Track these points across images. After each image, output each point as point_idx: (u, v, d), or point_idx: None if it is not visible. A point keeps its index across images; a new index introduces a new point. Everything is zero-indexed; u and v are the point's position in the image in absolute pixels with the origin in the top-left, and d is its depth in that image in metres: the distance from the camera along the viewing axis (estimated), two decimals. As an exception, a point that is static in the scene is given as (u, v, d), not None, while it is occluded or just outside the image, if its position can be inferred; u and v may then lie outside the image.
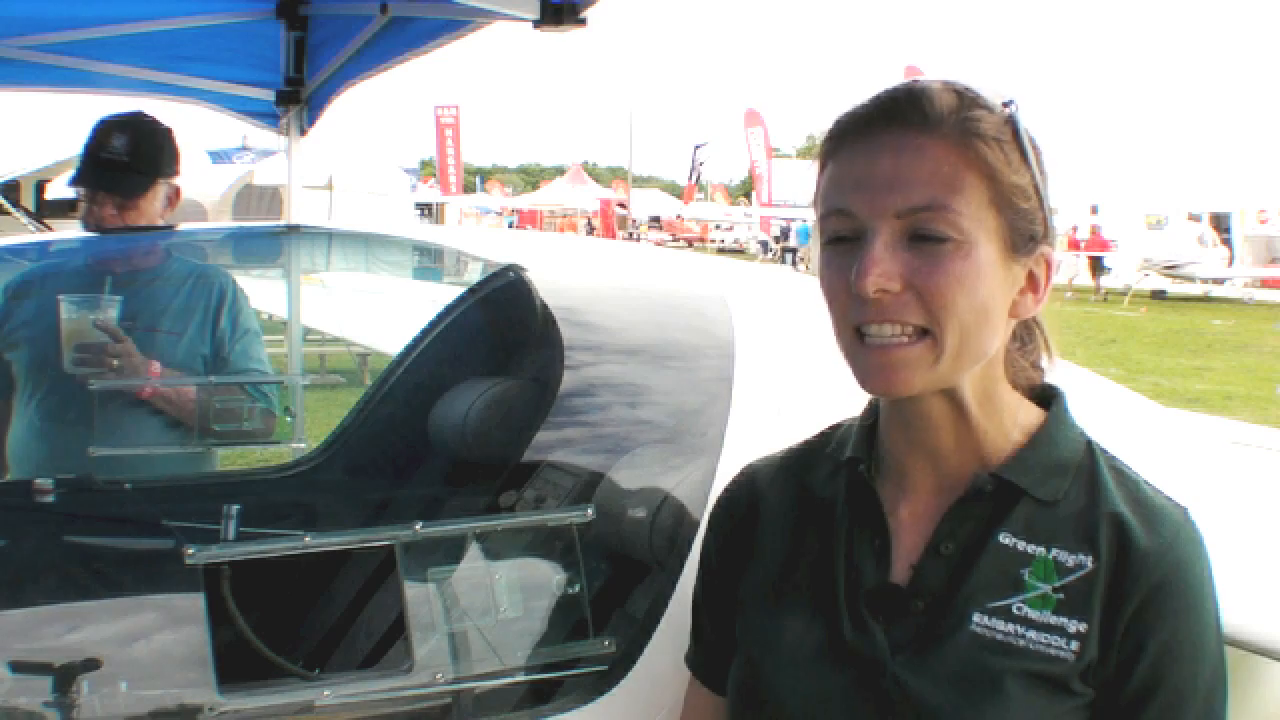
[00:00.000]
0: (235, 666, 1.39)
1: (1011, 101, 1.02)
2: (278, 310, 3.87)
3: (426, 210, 29.73)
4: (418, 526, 1.41)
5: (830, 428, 1.20)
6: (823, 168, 1.04)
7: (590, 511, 1.50)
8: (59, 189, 15.54)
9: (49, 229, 12.31)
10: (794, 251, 32.32)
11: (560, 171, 61.60)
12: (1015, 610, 1.00)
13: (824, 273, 1.03)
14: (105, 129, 2.50)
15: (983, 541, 1.03)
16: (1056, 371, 1.16)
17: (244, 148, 16.82)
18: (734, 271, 2.36)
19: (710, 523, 1.25)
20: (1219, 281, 24.96)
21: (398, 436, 2.28)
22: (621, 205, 41.22)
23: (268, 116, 3.91)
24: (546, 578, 1.50)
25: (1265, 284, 24.85)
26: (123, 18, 3.40)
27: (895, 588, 1.06)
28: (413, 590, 1.40)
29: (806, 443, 1.21)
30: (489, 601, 1.44)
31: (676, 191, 54.10)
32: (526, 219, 40.84)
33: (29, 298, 2.45)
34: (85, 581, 1.86)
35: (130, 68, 3.64)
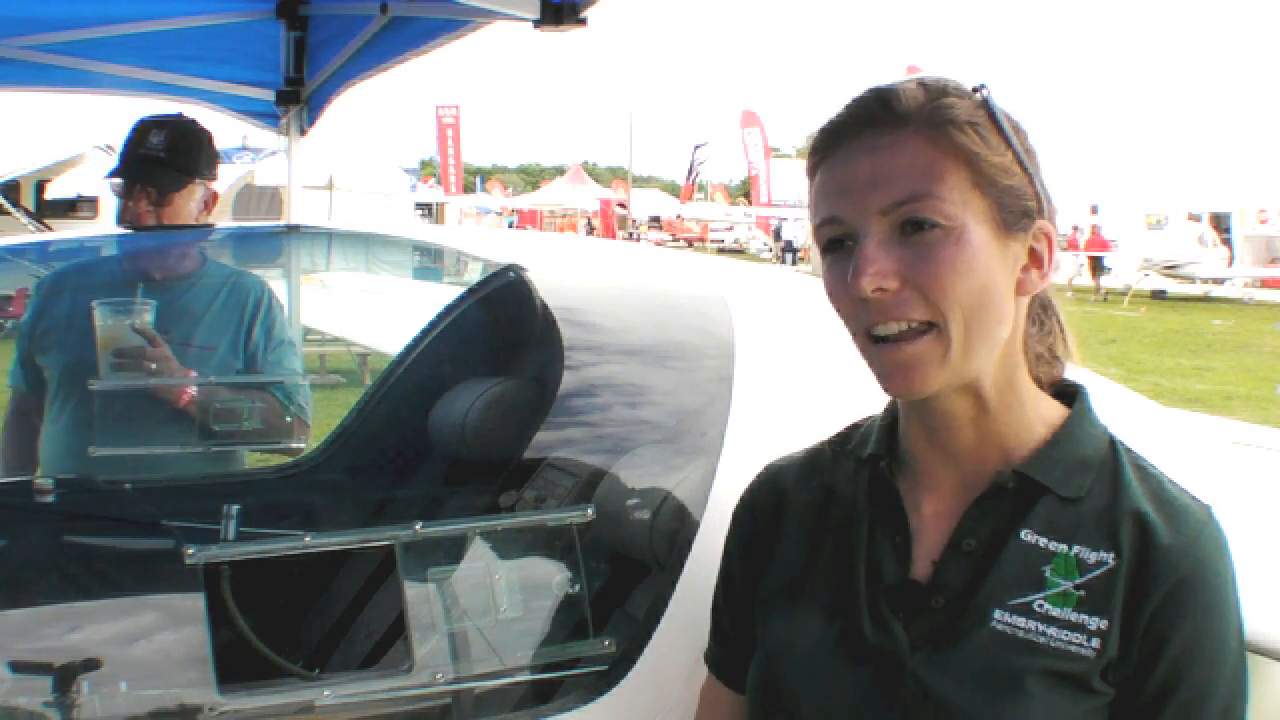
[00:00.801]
0: (235, 666, 1.39)
1: (983, 86, 1.03)
2: (277, 310, 3.87)
3: (427, 210, 29.73)
4: (418, 526, 1.41)
5: (852, 425, 1.21)
6: (811, 181, 1.06)
7: (590, 511, 1.50)
8: (59, 189, 15.58)
9: (49, 229, 12.32)
10: (794, 251, 32.32)
11: (560, 171, 61.63)
12: (1036, 607, 1.00)
13: (827, 281, 1.04)
14: (144, 126, 2.50)
15: (1004, 538, 1.03)
16: (1074, 366, 1.16)
17: (244, 148, 16.84)
18: (734, 271, 2.36)
19: (733, 522, 1.24)
20: (1219, 281, 24.97)
21: (398, 436, 2.28)
22: (621, 205, 41.22)
23: (268, 116, 3.91)
24: (546, 578, 1.50)
25: (1265, 284, 24.86)
26: (123, 18, 3.40)
27: (916, 584, 1.06)
28: (413, 590, 1.40)
29: (829, 440, 1.21)
30: (489, 601, 1.44)
31: (676, 191, 54.09)
32: (526, 219, 40.84)
33: (62, 297, 2.43)
34: (85, 581, 1.86)
35: (130, 68, 3.64)
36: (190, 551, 1.39)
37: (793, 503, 1.18)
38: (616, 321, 2.08)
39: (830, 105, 1.05)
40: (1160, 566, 0.99)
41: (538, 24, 2.52)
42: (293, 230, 2.79)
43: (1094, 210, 28.44)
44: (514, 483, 1.84)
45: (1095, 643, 0.99)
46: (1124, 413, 2.11)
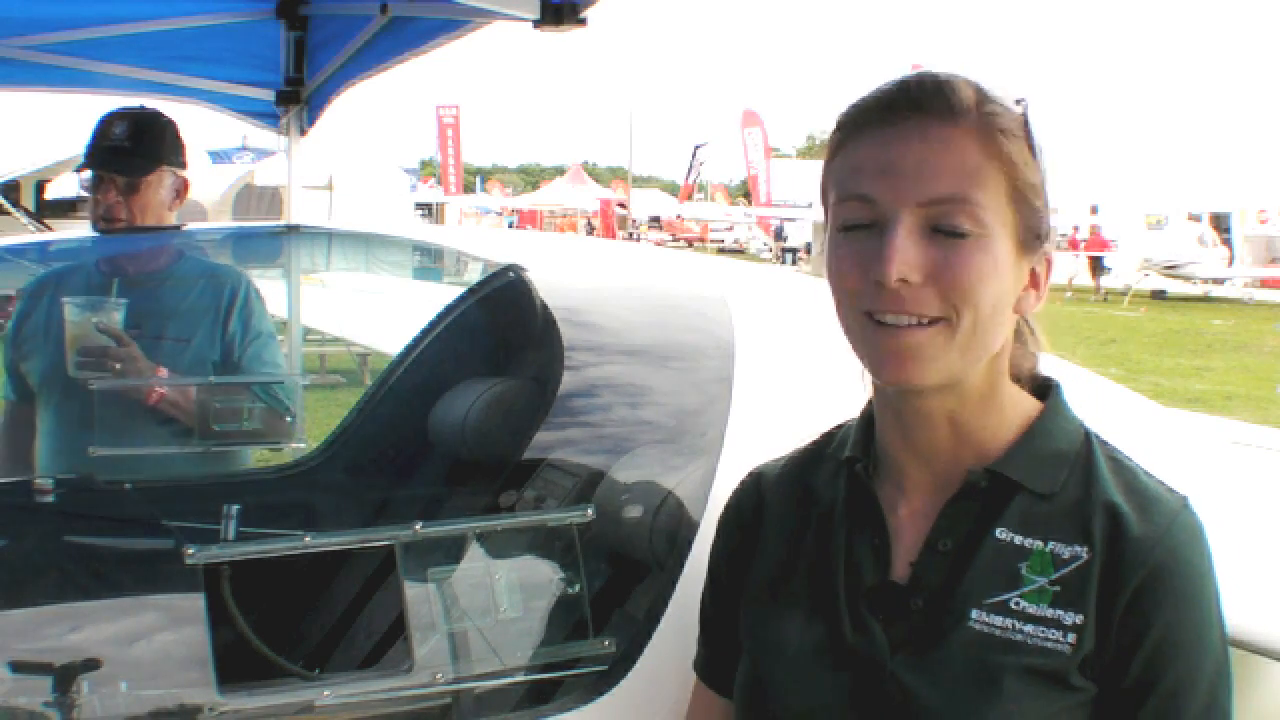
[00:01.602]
0: (235, 666, 1.39)
1: (1023, 100, 1.02)
2: (278, 310, 3.87)
3: (427, 210, 29.73)
4: (418, 526, 1.41)
5: (833, 428, 1.20)
6: (835, 153, 1.03)
7: (590, 511, 1.50)
8: (59, 189, 15.56)
9: (49, 229, 12.31)
10: (794, 251, 32.31)
11: (560, 171, 61.61)
12: (1013, 605, 1.00)
13: (833, 259, 1.02)
14: (108, 120, 2.50)
15: (980, 537, 1.03)
16: (1051, 369, 1.16)
17: (244, 148, 16.81)
18: (734, 272, 2.36)
19: (718, 527, 1.25)
20: (1219, 281, 24.96)
21: (398, 436, 2.28)
22: (621, 205, 41.22)
23: (268, 116, 3.91)
24: (546, 578, 1.50)
25: (1265, 284, 24.85)
26: (123, 18, 3.40)
27: (894, 586, 1.06)
28: (413, 590, 1.40)
29: (810, 444, 1.21)
30: (489, 601, 1.44)
31: (676, 191, 54.09)
32: (526, 219, 40.83)
33: (40, 302, 2.43)
34: (85, 581, 1.86)
35: (130, 68, 3.64)
36: (190, 551, 1.39)
37: (774, 506, 1.18)
38: (616, 322, 2.08)
39: (830, 105, 1.04)
40: (1132, 558, 0.98)
41: (538, 24, 2.52)
42: (292, 230, 2.79)
43: (1094, 210, 28.44)
44: (514, 483, 1.84)
45: (1071, 638, 0.98)
46: (1124, 413, 2.11)
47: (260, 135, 2.68)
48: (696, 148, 46.55)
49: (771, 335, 1.69)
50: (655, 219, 47.30)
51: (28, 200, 15.25)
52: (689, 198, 47.45)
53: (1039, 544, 1.01)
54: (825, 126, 1.05)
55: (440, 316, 2.35)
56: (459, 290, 2.38)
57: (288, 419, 2.37)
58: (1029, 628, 0.99)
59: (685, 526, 1.45)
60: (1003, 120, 0.99)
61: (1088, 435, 1.08)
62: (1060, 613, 0.99)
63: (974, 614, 1.01)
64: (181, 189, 2.57)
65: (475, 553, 1.50)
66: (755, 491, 1.21)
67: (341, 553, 1.97)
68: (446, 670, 1.39)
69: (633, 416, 1.88)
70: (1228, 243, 25.62)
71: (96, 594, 1.78)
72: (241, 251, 3.02)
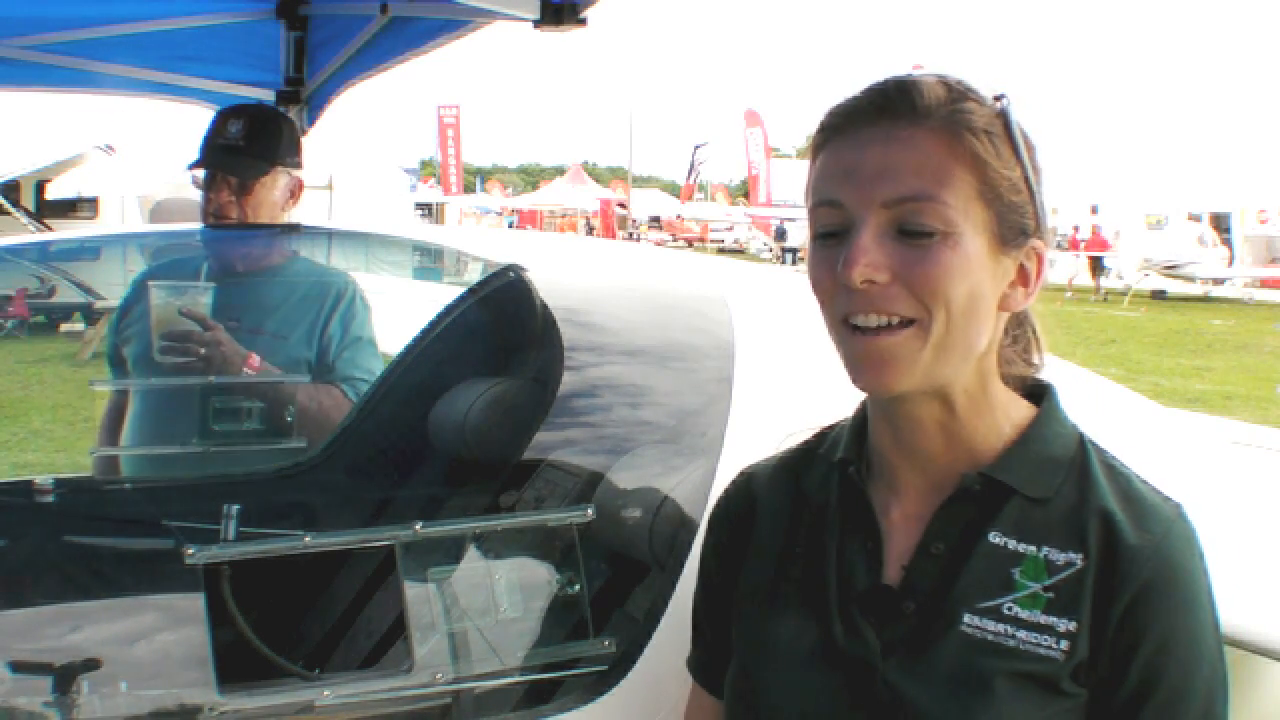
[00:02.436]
0: (235, 666, 1.39)
1: (1004, 95, 1.02)
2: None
3: (427, 210, 29.72)
4: (418, 526, 1.41)
5: (825, 429, 1.20)
6: (814, 160, 1.04)
7: (590, 511, 1.50)
8: (59, 189, 15.56)
9: (49, 229, 12.31)
10: (794, 251, 32.32)
11: (560, 171, 61.62)
12: (1005, 610, 1.00)
13: (812, 266, 1.03)
14: (222, 116, 2.47)
15: (973, 541, 1.03)
16: (1051, 369, 1.15)
17: (244, 148, 16.76)
18: (734, 272, 2.36)
19: (709, 526, 1.25)
20: (1219, 281, 24.96)
21: (398, 436, 2.28)
22: (621, 205, 41.23)
23: (267, 116, 3.90)
24: (546, 578, 1.50)
25: (1265, 284, 24.86)
26: (123, 18, 3.39)
27: (886, 589, 1.06)
28: (413, 590, 1.40)
29: (802, 445, 1.21)
30: (489, 601, 1.44)
31: (676, 191, 54.12)
32: (526, 219, 40.86)
33: (146, 290, 2.42)
34: (85, 581, 1.86)
35: (130, 68, 3.64)
36: (190, 551, 1.39)
37: (765, 507, 1.18)
38: (617, 322, 2.07)
39: (843, 89, 1.04)
40: (1128, 567, 0.98)
41: (538, 24, 2.51)
42: (292, 230, 2.79)
43: (1094, 210, 28.45)
44: (514, 483, 1.84)
45: (1064, 644, 0.98)
46: (1124, 413, 2.11)
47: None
48: (696, 148, 46.58)
49: (771, 335, 1.69)
50: (655, 219, 47.33)
51: (28, 200, 15.26)
52: (690, 198, 47.45)
53: (1032, 549, 1.01)
54: (817, 119, 1.06)
55: (440, 316, 2.34)
56: (459, 290, 2.38)
57: (286, 418, 2.36)
58: (1021, 633, 0.99)
59: (685, 526, 1.45)
60: (972, 118, 0.99)
61: (1082, 441, 1.08)
62: (1054, 619, 0.99)
63: (966, 618, 1.01)
64: (296, 189, 2.53)
65: (475, 553, 1.50)
66: (746, 492, 1.21)
67: (341, 553, 1.97)
68: (446, 670, 1.39)
69: (633, 416, 1.88)
70: (1228, 243, 25.63)
71: (96, 594, 1.78)
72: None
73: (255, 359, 2.26)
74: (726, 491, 1.24)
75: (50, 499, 2.01)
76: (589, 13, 2.50)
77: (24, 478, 2.03)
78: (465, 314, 2.32)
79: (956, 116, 0.98)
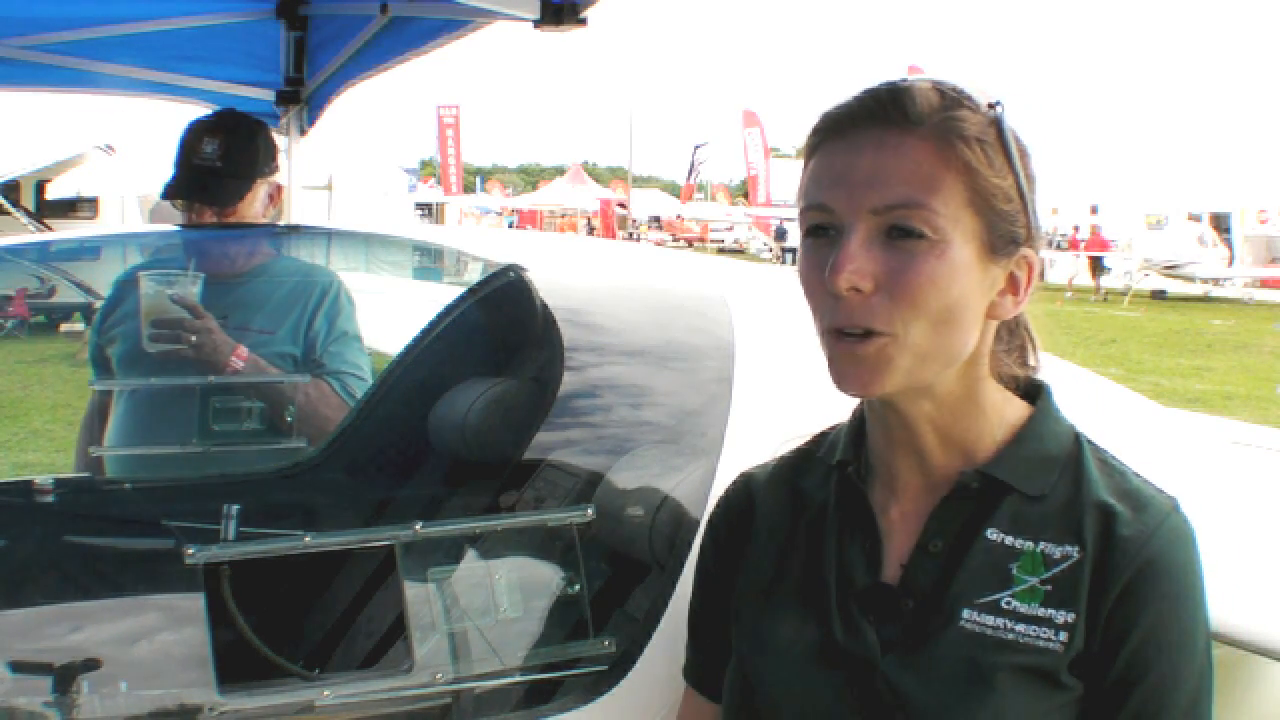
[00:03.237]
0: (235, 666, 1.39)
1: (998, 103, 1.01)
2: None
3: (427, 210, 29.72)
4: (418, 526, 1.41)
5: (824, 431, 1.21)
6: (806, 163, 1.05)
7: (590, 511, 1.50)
8: (59, 189, 15.56)
9: (49, 229, 12.31)
10: (794, 251, 32.32)
11: (560, 171, 61.63)
12: (1004, 605, 1.00)
13: (802, 265, 1.03)
14: (195, 134, 2.43)
15: (971, 538, 1.04)
16: (1051, 369, 1.16)
17: (244, 148, 16.75)
18: (734, 272, 2.36)
19: (707, 529, 1.25)
20: (1219, 282, 24.97)
21: (398, 436, 2.28)
22: (621, 205, 41.23)
23: (268, 117, 3.90)
24: (546, 578, 1.50)
25: (1265, 284, 24.86)
26: (123, 18, 3.39)
27: (885, 587, 1.06)
28: (413, 590, 1.40)
29: (801, 447, 1.22)
30: (489, 601, 1.44)
31: (676, 191, 54.12)
32: (526, 219, 40.85)
33: (131, 289, 2.38)
34: (85, 581, 1.86)
35: (130, 68, 3.64)
36: (190, 551, 1.39)
37: (764, 509, 1.18)
38: (617, 322, 2.07)
39: (839, 92, 1.04)
40: (1121, 556, 0.99)
41: (538, 24, 2.51)
42: (292, 230, 2.79)
43: (1094, 210, 28.44)
44: (514, 483, 1.84)
45: (1063, 636, 0.99)
46: (1124, 413, 2.11)
47: (261, 135, 2.68)
48: (696, 148, 46.58)
49: (771, 335, 1.69)
50: (655, 219, 47.34)
51: (28, 200, 15.26)
52: (690, 198, 47.46)
53: (1029, 545, 1.02)
54: (810, 122, 1.05)
55: (440, 316, 2.34)
56: (459, 290, 2.38)
57: (286, 418, 2.36)
58: (1020, 627, 1.00)
59: (685, 527, 1.45)
60: (964, 126, 0.98)
61: (1078, 438, 1.08)
62: (1052, 611, 0.99)
63: (965, 614, 1.01)
64: (275, 194, 2.52)
65: (475, 553, 1.50)
66: (745, 494, 1.21)
67: (341, 553, 1.97)
68: (446, 670, 1.39)
69: (633, 417, 1.88)
70: (1228, 243, 25.64)
71: (96, 594, 1.78)
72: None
73: (244, 350, 2.26)
74: (725, 493, 1.24)
75: (50, 499, 2.01)
76: (589, 13, 2.50)
77: (24, 478, 2.03)
78: (465, 314, 2.32)
79: (949, 124, 0.98)
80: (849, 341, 0.99)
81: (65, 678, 1.36)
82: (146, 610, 1.62)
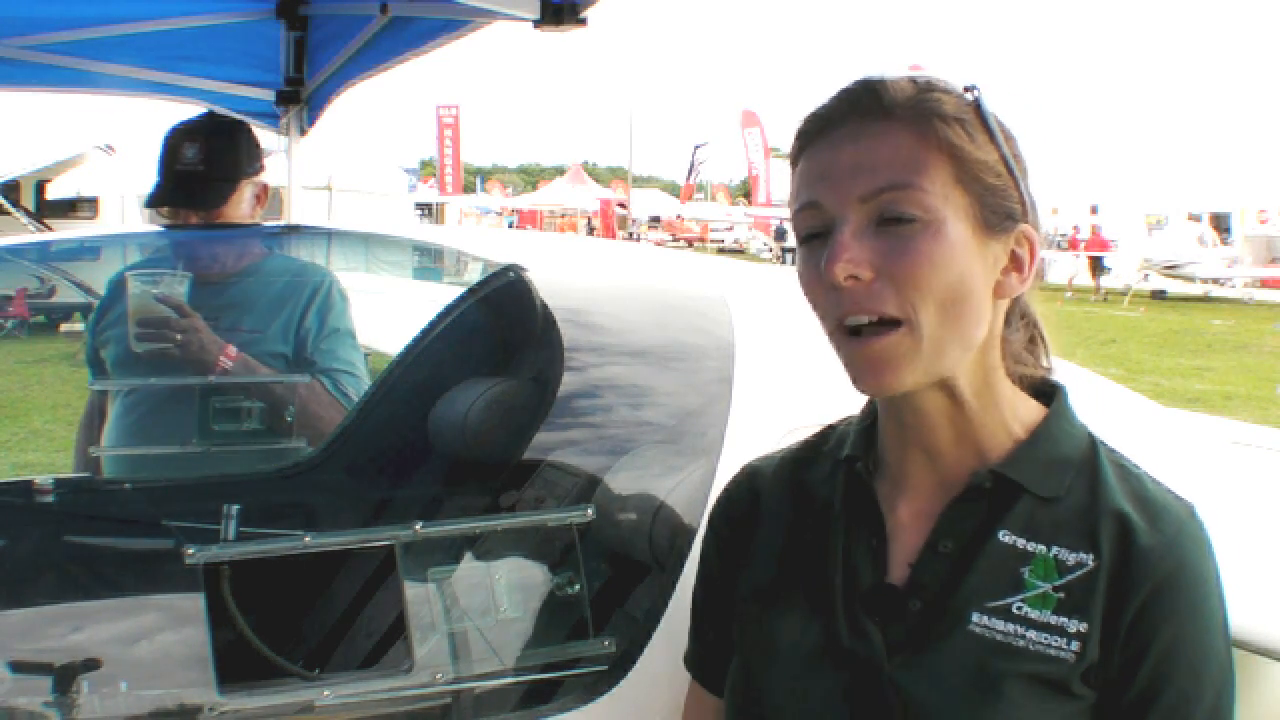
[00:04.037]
0: (235, 666, 1.39)
1: (974, 87, 1.02)
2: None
3: (427, 210, 29.73)
4: (418, 526, 1.41)
5: (830, 425, 1.20)
6: (794, 168, 1.05)
7: (590, 511, 1.50)
8: (59, 189, 15.58)
9: (49, 229, 12.31)
10: (794, 251, 32.31)
11: (560, 171, 61.63)
12: (1015, 610, 0.99)
13: (801, 271, 1.03)
14: (176, 138, 2.42)
15: (982, 540, 1.02)
16: (1056, 370, 1.15)
17: (244, 148, 16.76)
18: (734, 272, 2.36)
19: (710, 522, 1.24)
20: (1219, 281, 24.97)
21: (398, 436, 2.28)
22: (621, 205, 41.22)
23: (268, 116, 3.90)
24: (546, 578, 1.50)
25: (1265, 284, 24.86)
26: (123, 18, 3.39)
27: (892, 588, 1.05)
28: (413, 590, 1.40)
29: (806, 441, 1.21)
30: (489, 601, 1.44)
31: (676, 191, 54.11)
32: (526, 219, 40.84)
33: (123, 290, 2.41)
34: (85, 581, 1.86)
35: (130, 68, 3.64)
36: (190, 551, 1.39)
37: (769, 503, 1.17)
38: (617, 322, 2.07)
39: (819, 96, 1.05)
40: (1141, 567, 0.97)
41: (538, 24, 2.51)
42: (293, 230, 2.79)
43: (1094, 210, 28.44)
44: (514, 483, 1.84)
45: (1075, 645, 0.97)
46: (1124, 413, 2.11)
47: (260, 135, 2.67)
48: (696, 148, 46.58)
49: (771, 335, 1.69)
50: (655, 219, 47.33)
51: (28, 200, 15.27)
52: (689, 198, 47.46)
53: (1042, 548, 1.00)
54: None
55: (440, 316, 2.34)
56: (459, 290, 2.38)
57: (286, 418, 2.36)
58: (1031, 633, 0.98)
59: (685, 527, 1.45)
60: (941, 106, 0.99)
61: (1093, 441, 1.08)
62: (1065, 620, 0.98)
63: (974, 617, 1.00)
64: (261, 194, 2.50)
65: (475, 553, 1.50)
66: (749, 488, 1.20)
67: (341, 553, 1.97)
68: (446, 670, 1.39)
69: (633, 417, 1.88)
70: (1228, 243, 25.65)
71: (96, 594, 1.78)
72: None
73: (233, 349, 2.25)
74: (728, 487, 1.23)
75: (50, 499, 2.01)
76: (589, 13, 2.50)
77: (24, 478, 2.03)
78: (465, 314, 2.32)
79: (925, 105, 0.99)
80: (863, 339, 0.98)
81: (65, 678, 1.36)
82: (146, 610, 1.62)
